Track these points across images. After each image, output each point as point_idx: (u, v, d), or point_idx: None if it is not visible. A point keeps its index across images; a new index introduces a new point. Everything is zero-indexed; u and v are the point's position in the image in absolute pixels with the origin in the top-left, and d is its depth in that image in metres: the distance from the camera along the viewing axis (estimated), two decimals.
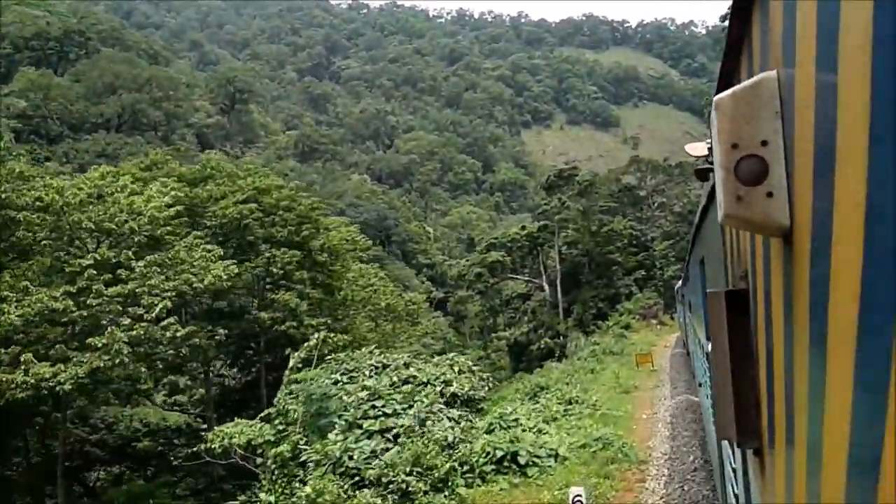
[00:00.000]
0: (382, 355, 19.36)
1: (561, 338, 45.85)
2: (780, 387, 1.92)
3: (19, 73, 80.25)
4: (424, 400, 12.24)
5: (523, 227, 55.08)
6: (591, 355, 28.69)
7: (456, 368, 19.31)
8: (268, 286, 24.86)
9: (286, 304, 23.14)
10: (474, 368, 20.61)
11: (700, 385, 10.75)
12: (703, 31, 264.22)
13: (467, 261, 57.14)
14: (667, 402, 16.06)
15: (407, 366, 18.71)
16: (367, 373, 17.66)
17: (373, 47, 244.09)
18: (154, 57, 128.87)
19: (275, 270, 23.59)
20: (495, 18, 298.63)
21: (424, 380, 17.48)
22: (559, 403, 15.60)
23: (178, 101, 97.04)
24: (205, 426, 23.93)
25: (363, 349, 19.95)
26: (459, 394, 17.37)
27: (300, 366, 15.46)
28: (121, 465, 25.43)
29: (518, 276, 54.05)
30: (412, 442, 10.88)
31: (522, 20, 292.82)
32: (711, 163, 3.54)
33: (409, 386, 14.39)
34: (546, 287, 51.13)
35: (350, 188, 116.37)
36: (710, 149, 3.77)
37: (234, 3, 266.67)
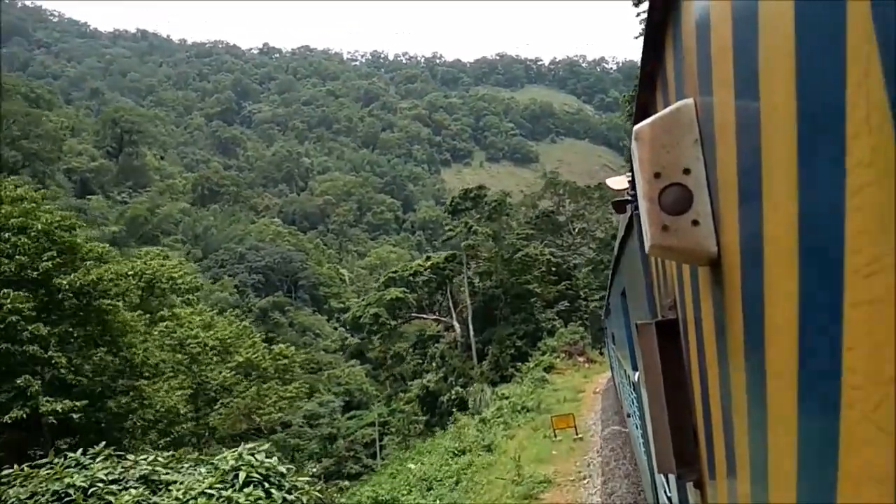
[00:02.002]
0: (104, 463, 11.17)
1: (476, 385, 38.52)
2: (718, 416, 1.89)
3: None
4: None
5: (428, 258, 47.90)
6: (496, 416, 21.27)
7: (242, 476, 11.35)
8: None
9: (14, 378, 14.87)
10: (283, 469, 12.58)
11: (628, 416, 10.47)
12: (614, 67, 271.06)
13: (362, 300, 49.29)
14: None
15: (144, 479, 10.65)
16: None
17: (285, 90, 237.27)
18: (36, 101, 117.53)
19: None
20: (410, 60, 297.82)
21: None
22: None
23: (45, 141, 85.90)
24: None
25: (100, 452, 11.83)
26: None
27: None
28: None
29: (425, 316, 46.57)
30: None
31: (437, 61, 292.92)
32: (632, 196, 4.10)
33: None
34: (457, 326, 43.86)
35: (254, 231, 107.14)
36: (630, 182, 4.11)
37: (138, 50, 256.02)
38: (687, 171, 1.70)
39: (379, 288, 46.44)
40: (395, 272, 47.09)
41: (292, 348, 33.99)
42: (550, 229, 61.95)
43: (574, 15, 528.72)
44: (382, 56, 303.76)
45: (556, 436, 16.48)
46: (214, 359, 28.40)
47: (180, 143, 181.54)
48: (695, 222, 1.68)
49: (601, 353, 39.33)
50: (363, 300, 49.30)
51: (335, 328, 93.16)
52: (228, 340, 29.48)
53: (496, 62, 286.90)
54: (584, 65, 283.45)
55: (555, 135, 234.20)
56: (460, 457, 15.88)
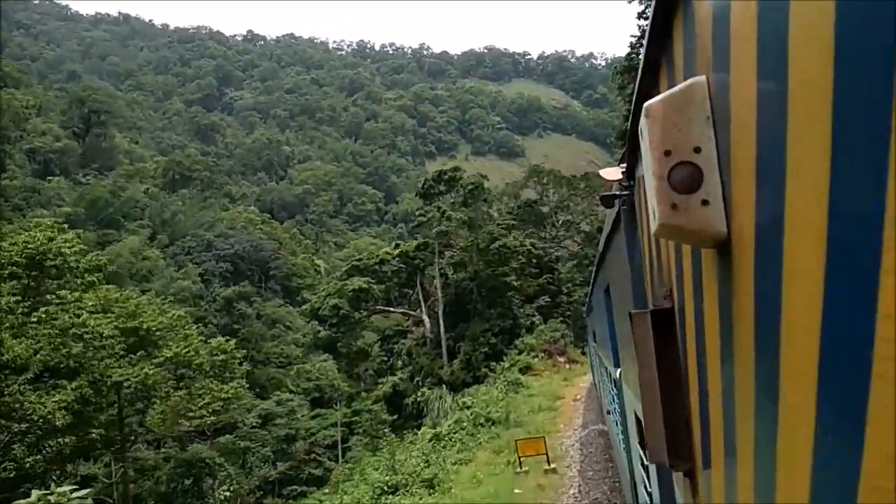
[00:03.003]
0: None
1: (444, 386, 34.78)
2: (717, 406, 1.88)
3: None
4: None
5: (396, 246, 44.04)
6: (453, 430, 17.51)
7: None
8: None
9: None
10: None
11: (608, 413, 10.27)
12: (603, 63, 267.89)
13: (323, 290, 45.35)
14: None
15: None
16: None
17: (268, 78, 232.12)
18: (3, 79, 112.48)
19: None
20: (397, 50, 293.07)
21: None
22: None
23: (3, 118, 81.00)
24: None
25: None
26: None
27: None
28: None
29: (392, 309, 42.71)
30: None
31: (424, 52, 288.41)
32: (624, 187, 4.07)
33: None
34: (427, 321, 40.08)
35: (226, 218, 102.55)
36: (623, 173, 4.01)
37: (119, 34, 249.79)
38: (697, 150, 1.65)
39: (341, 277, 42.47)
40: (360, 260, 43.13)
41: (232, 342, 30.04)
42: (533, 220, 58.53)
43: (563, 10, 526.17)
44: (369, 46, 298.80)
45: (521, 465, 12.82)
46: (138, 353, 24.41)
47: (157, 128, 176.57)
48: (704, 202, 1.64)
49: (583, 353, 35.88)
50: (323, 290, 45.39)
51: (307, 321, 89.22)
52: (157, 332, 25.44)
53: (484, 55, 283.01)
54: (572, 60, 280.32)
55: (542, 129, 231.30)
56: (391, 496, 12.10)
